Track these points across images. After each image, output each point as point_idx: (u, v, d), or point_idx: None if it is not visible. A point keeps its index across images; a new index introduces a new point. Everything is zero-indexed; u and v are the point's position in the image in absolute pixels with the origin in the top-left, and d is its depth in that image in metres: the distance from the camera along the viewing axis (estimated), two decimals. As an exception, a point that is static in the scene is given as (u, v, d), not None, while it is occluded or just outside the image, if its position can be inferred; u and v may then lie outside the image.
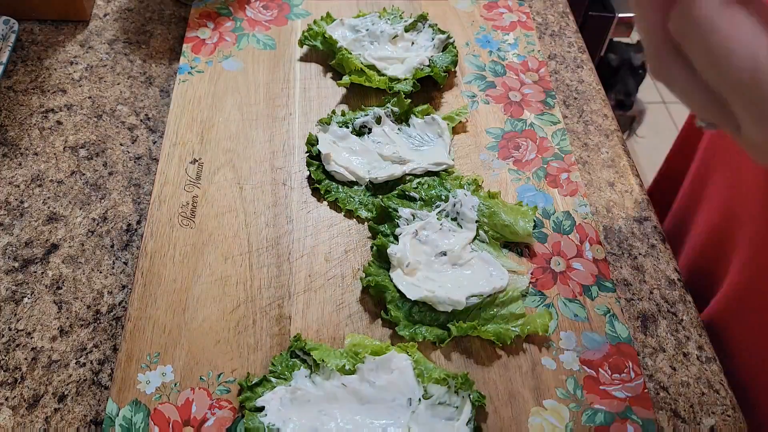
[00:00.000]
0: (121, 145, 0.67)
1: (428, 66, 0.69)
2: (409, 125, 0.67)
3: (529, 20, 0.79)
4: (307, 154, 0.64)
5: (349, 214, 0.61)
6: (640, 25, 0.32)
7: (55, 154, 0.66)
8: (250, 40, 0.75)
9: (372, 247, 0.57)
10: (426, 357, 0.52)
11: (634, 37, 1.53)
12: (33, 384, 0.51)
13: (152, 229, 0.58)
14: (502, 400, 0.50)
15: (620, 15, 1.38)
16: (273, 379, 0.50)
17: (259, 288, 0.55)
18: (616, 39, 1.53)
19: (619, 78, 1.57)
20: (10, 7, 0.75)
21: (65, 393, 0.51)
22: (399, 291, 0.54)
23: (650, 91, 2.06)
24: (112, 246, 0.60)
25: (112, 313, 0.55)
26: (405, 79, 0.69)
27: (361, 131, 0.66)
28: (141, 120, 0.69)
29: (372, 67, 0.70)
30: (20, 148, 0.66)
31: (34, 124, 0.68)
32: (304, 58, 0.73)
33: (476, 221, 0.58)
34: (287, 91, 0.70)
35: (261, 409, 0.48)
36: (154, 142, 0.67)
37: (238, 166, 0.63)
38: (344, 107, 0.69)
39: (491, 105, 0.70)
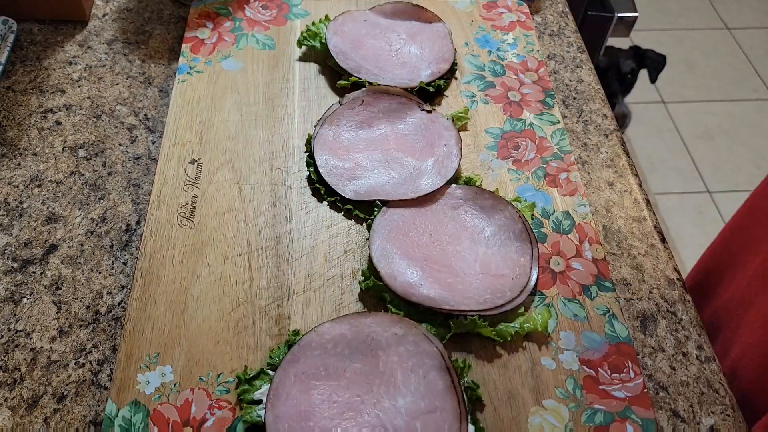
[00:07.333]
0: (120, 145, 0.67)
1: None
2: (408, 125, 0.67)
3: (529, 20, 0.79)
4: (307, 154, 0.64)
5: (348, 214, 0.61)
6: None
7: (54, 154, 0.65)
8: (249, 40, 0.75)
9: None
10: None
11: (633, 38, 1.54)
12: (32, 384, 0.51)
13: (151, 230, 0.58)
14: (502, 400, 0.50)
15: (619, 15, 1.38)
16: (270, 372, 0.50)
17: (258, 288, 0.55)
18: (609, 44, 1.55)
19: (606, 81, 1.61)
20: (9, 7, 0.75)
21: (64, 393, 0.51)
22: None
23: (650, 92, 2.06)
24: (111, 246, 0.59)
25: (111, 314, 0.55)
26: None
27: (361, 131, 0.66)
28: (140, 120, 0.69)
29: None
30: (19, 149, 0.66)
31: (33, 125, 0.68)
32: (303, 58, 0.73)
33: None
34: (286, 91, 0.70)
35: (259, 401, 0.48)
36: (153, 143, 0.67)
37: (238, 166, 0.63)
38: (343, 107, 0.69)
39: (490, 105, 0.70)
